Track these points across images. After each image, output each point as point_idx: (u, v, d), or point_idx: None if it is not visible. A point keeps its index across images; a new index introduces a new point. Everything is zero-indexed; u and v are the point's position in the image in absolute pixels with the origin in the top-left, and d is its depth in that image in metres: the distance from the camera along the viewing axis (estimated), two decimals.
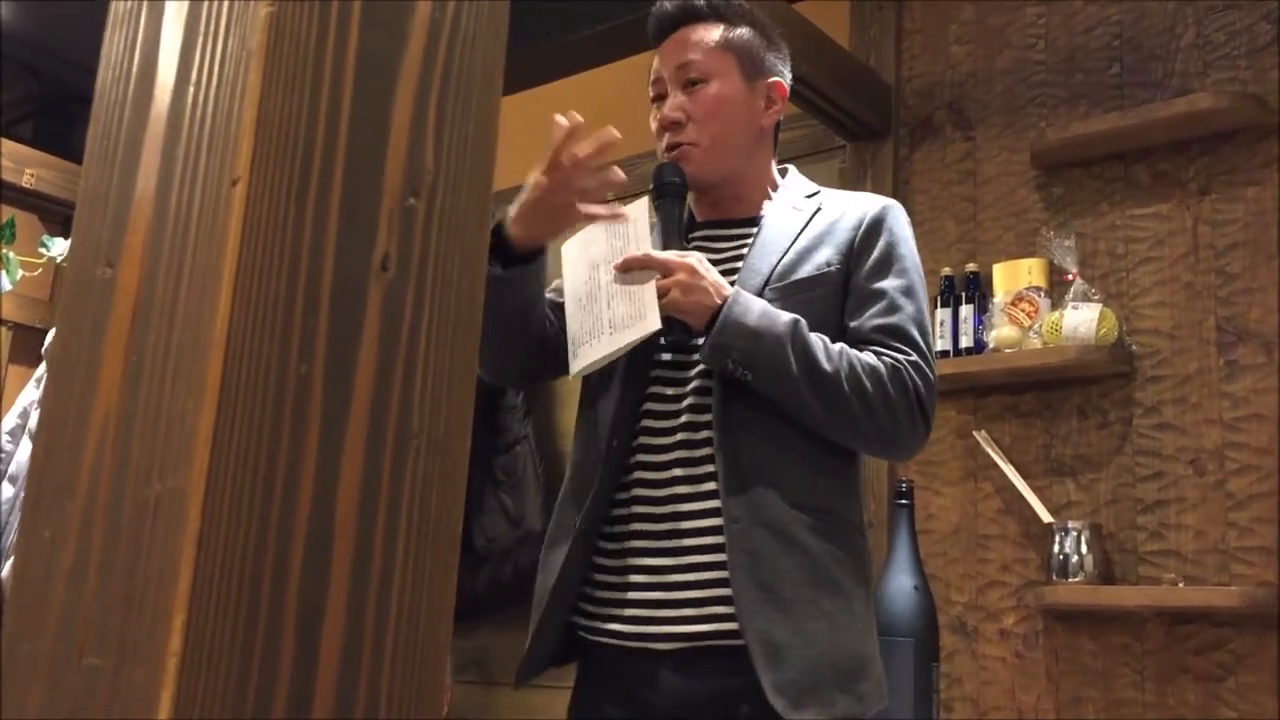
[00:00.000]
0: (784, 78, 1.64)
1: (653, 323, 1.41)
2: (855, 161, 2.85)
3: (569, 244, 1.58)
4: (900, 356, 1.44)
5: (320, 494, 0.61)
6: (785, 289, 1.48)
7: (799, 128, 2.90)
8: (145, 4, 0.70)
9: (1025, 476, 2.46)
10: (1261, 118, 2.34)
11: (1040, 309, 2.44)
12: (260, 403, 0.60)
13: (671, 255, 1.46)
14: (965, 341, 2.54)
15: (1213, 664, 2.21)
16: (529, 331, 1.55)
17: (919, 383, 1.43)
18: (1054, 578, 2.31)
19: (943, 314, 2.57)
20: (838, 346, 1.43)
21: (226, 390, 0.59)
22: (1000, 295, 2.49)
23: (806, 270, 1.50)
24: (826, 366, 1.40)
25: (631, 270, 1.45)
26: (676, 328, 1.45)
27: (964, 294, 2.57)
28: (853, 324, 1.48)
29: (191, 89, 0.65)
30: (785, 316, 1.42)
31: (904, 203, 2.76)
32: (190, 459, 0.58)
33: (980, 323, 2.53)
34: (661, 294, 1.43)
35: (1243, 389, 2.28)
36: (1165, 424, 2.36)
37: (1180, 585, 2.23)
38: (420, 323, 0.67)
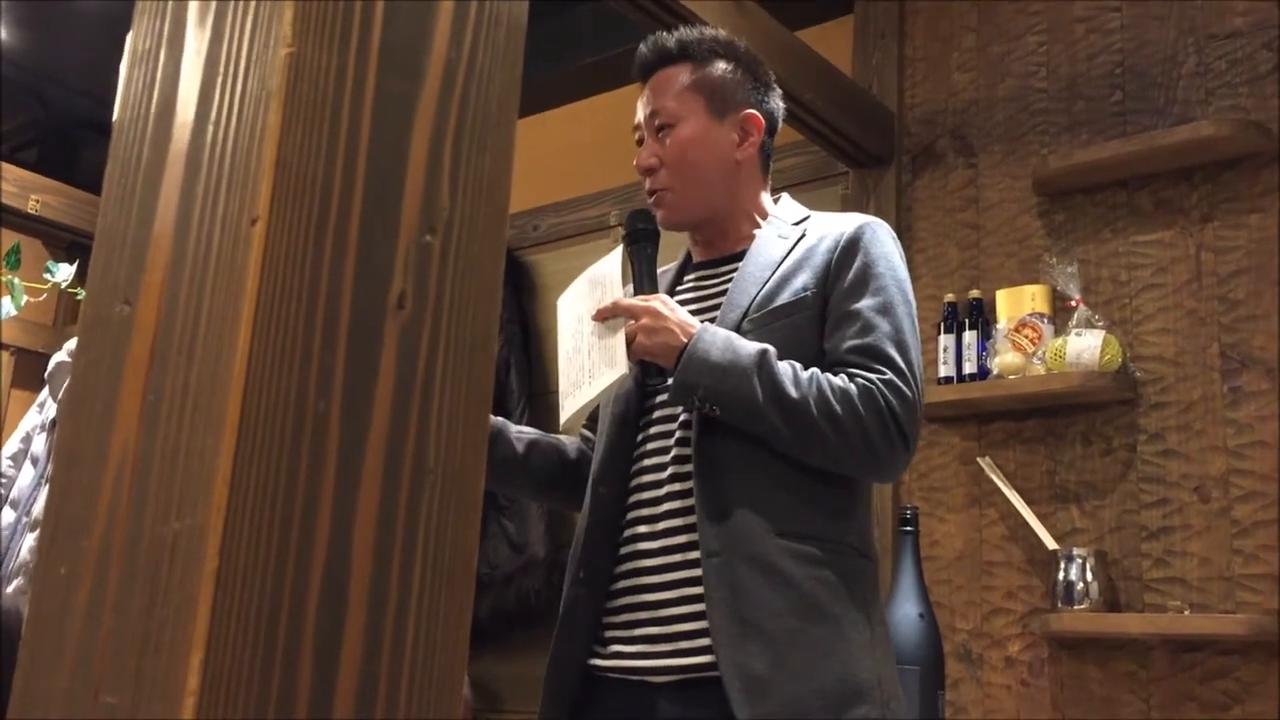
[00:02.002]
0: (764, 107, 1.64)
1: (620, 368, 1.45)
2: (858, 188, 2.86)
3: (562, 300, 1.63)
4: (874, 376, 1.42)
5: (337, 530, 0.62)
6: (762, 318, 1.49)
7: (802, 154, 2.91)
8: (165, 43, 0.71)
9: (1029, 503, 2.46)
10: (1264, 145, 2.35)
11: (1044, 335, 2.44)
12: (278, 440, 0.60)
13: (635, 300, 1.49)
14: (969, 368, 2.54)
15: (1218, 692, 2.21)
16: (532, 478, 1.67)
17: (894, 401, 1.42)
18: (1059, 605, 2.31)
19: (946, 340, 2.58)
20: (808, 372, 1.43)
21: (245, 427, 0.59)
22: (1003, 321, 2.50)
23: (784, 297, 1.51)
24: (794, 394, 1.40)
25: (606, 319, 1.50)
26: (651, 370, 1.48)
27: (967, 320, 2.58)
28: (829, 346, 1.48)
29: (211, 128, 0.66)
30: (752, 347, 1.43)
31: (906, 229, 2.80)
32: (209, 496, 0.58)
33: (984, 349, 2.53)
34: (630, 339, 1.46)
35: (1247, 415, 2.28)
36: (1169, 450, 2.36)
37: (1186, 613, 2.23)
38: (436, 359, 0.67)
